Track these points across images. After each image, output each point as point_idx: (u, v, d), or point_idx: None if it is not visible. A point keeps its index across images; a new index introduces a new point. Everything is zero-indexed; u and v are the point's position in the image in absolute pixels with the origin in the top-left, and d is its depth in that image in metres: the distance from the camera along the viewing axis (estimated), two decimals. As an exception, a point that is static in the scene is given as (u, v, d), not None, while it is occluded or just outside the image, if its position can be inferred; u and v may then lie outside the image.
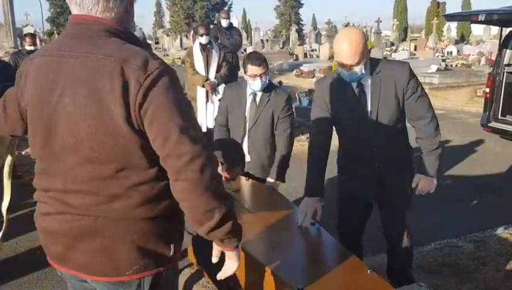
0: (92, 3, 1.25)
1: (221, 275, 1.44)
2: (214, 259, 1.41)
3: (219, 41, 6.92)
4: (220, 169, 2.21)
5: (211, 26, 7.07)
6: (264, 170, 3.04)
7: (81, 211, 1.29)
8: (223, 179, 2.21)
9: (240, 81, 3.12)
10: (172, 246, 1.38)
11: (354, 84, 2.28)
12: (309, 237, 2.16)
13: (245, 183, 2.88)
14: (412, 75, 2.25)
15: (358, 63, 2.15)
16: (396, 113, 2.29)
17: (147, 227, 1.32)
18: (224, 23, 7.25)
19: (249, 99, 2.98)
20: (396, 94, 2.25)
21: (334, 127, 2.46)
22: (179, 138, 1.20)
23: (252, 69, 2.84)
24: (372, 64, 2.26)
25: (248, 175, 3.03)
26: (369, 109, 2.28)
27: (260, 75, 2.84)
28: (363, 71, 2.20)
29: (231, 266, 1.40)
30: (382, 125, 2.28)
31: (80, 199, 1.29)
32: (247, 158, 3.03)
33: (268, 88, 2.96)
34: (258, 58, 2.87)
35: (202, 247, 1.93)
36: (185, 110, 1.25)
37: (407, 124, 2.41)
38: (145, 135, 1.23)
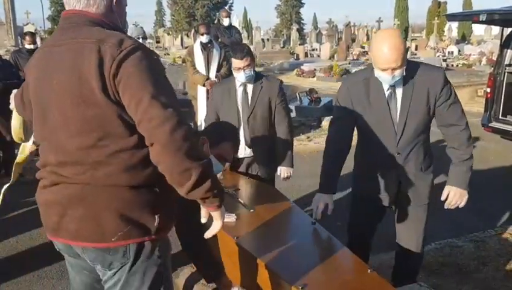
0: (76, 0, 1.43)
1: (208, 234, 1.54)
2: (203, 219, 1.50)
3: (220, 40, 6.93)
4: (206, 146, 2.17)
5: (211, 26, 7.06)
6: (267, 159, 3.08)
7: (70, 180, 1.40)
8: (216, 159, 2.20)
9: (227, 78, 3.20)
10: (157, 217, 1.44)
11: (386, 87, 2.21)
12: (309, 236, 2.16)
13: (244, 181, 2.88)
14: (446, 82, 2.18)
15: (401, 66, 2.09)
16: (424, 120, 2.22)
17: (130, 196, 1.40)
18: (225, 22, 7.25)
19: (240, 90, 3.01)
20: (428, 101, 2.18)
21: (356, 127, 2.38)
22: (150, 103, 1.28)
23: (235, 62, 2.90)
24: (407, 67, 2.16)
25: (248, 174, 3.04)
26: (398, 113, 2.21)
27: (243, 68, 2.89)
28: (404, 73, 2.13)
29: (216, 225, 1.49)
30: (408, 131, 2.21)
31: (69, 169, 1.39)
32: (248, 151, 3.05)
33: (258, 77, 3.03)
34: (241, 51, 2.91)
35: (181, 225, 1.96)
36: (158, 79, 1.34)
37: (437, 130, 2.34)
38: (121, 104, 1.33)
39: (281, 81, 3.17)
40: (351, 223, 2.57)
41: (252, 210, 2.39)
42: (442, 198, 2.24)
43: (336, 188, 2.34)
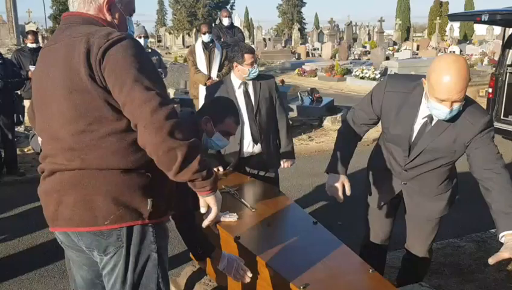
0: (72, 2, 1.53)
1: (205, 223, 1.55)
2: (202, 210, 1.50)
3: (222, 40, 6.92)
4: (210, 124, 2.26)
5: (213, 26, 7.06)
6: (275, 154, 3.19)
7: (65, 167, 1.44)
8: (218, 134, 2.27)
9: (222, 79, 3.30)
10: (149, 201, 1.46)
11: (424, 113, 2.01)
12: (311, 236, 2.15)
13: (246, 181, 2.88)
14: (486, 126, 1.95)
15: (462, 100, 1.85)
16: (450, 157, 2.09)
17: (122, 179, 1.43)
18: (225, 22, 7.20)
19: (240, 90, 3.05)
20: (462, 143, 2.00)
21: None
22: (132, 86, 1.33)
23: (248, 57, 2.98)
24: None
25: (250, 175, 3.03)
26: (426, 143, 2.05)
27: (252, 64, 2.99)
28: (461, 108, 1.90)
29: (212, 213, 1.50)
30: (420, 159, 2.11)
31: (64, 156, 1.44)
32: (257, 148, 3.07)
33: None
34: (249, 47, 3.09)
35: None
36: (142, 65, 1.37)
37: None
38: (108, 89, 1.37)
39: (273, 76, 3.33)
40: (366, 232, 2.51)
41: (253, 209, 2.39)
42: (496, 260, 1.74)
43: (347, 170, 2.24)
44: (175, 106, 1.40)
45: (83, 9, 1.52)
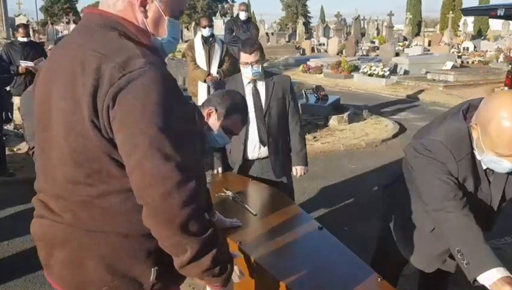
0: None
1: None
2: None
3: (234, 34, 6.96)
4: (214, 117, 2.15)
5: (228, 19, 7.13)
6: (284, 159, 3.13)
7: (55, 217, 1.25)
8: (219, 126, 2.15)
9: (235, 74, 3.22)
10: (154, 270, 1.24)
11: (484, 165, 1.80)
12: (318, 243, 2.15)
13: (248, 184, 2.88)
14: None
15: None
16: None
17: (119, 242, 1.21)
18: (242, 16, 7.27)
19: (248, 87, 3.01)
20: None
21: None
22: (146, 153, 1.06)
23: (243, 56, 2.92)
24: None
25: (255, 178, 3.00)
26: (492, 197, 1.92)
27: (251, 63, 2.90)
28: None
29: None
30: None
31: (56, 202, 1.25)
32: (263, 151, 3.03)
33: (268, 74, 3.08)
34: (250, 46, 2.93)
35: None
36: (168, 120, 1.09)
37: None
38: (114, 143, 1.13)
39: (290, 77, 3.25)
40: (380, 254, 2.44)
41: (255, 214, 2.39)
42: None
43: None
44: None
45: (109, 2, 1.22)
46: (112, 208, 1.19)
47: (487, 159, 1.68)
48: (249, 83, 3.01)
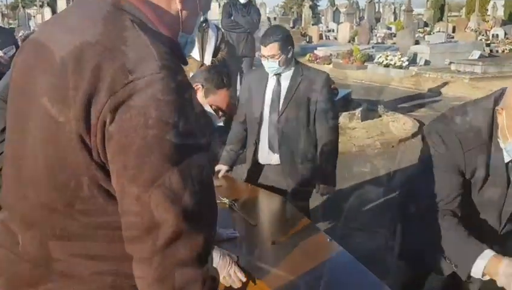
0: None
1: None
2: None
3: (232, 18, 6.96)
4: (201, 94, 2.14)
5: (225, 1, 7.09)
6: (296, 174, 2.97)
7: (23, 253, 1.08)
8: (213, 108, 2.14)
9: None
10: None
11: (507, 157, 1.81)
12: (325, 257, 2.16)
13: (247, 190, 2.89)
14: None
15: None
16: None
17: (101, 285, 1.06)
18: None
19: (272, 81, 2.94)
20: None
21: None
22: (147, 190, 0.91)
23: (262, 48, 2.85)
24: None
25: (265, 187, 2.97)
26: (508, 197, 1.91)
27: (267, 57, 2.82)
28: None
29: None
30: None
31: (25, 233, 1.08)
32: (275, 158, 2.96)
33: (297, 69, 2.94)
34: (268, 36, 2.81)
35: None
36: (181, 141, 0.93)
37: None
38: (106, 169, 0.97)
39: (328, 75, 3.03)
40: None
41: (254, 224, 2.39)
42: None
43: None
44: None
45: None
46: (96, 247, 1.04)
47: (511, 147, 1.71)
48: (273, 75, 2.92)
